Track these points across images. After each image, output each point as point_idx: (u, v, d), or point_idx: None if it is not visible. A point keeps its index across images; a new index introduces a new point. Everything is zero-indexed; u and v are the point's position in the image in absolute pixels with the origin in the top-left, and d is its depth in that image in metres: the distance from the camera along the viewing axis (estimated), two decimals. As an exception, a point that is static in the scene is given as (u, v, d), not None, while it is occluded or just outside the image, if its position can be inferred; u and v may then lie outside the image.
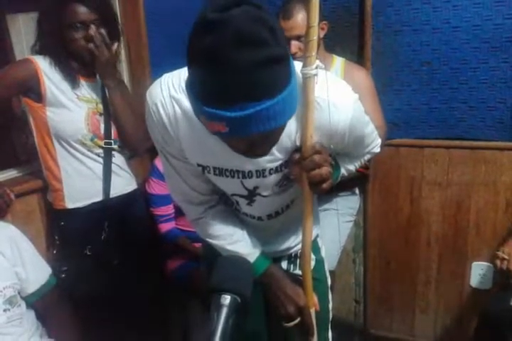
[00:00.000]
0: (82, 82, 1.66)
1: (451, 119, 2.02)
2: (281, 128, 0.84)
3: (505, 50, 1.86)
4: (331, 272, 1.58)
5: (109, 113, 1.69)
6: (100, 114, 1.68)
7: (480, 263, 2.12)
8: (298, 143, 0.97)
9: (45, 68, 1.57)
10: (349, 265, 2.41)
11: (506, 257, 1.64)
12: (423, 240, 2.22)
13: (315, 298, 1.16)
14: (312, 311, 1.16)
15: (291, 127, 0.96)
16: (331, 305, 1.35)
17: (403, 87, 2.06)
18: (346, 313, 2.49)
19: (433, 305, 2.29)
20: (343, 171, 1.14)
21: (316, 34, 0.85)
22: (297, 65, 0.88)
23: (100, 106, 1.68)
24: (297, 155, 0.96)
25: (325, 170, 0.94)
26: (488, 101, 1.95)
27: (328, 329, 1.35)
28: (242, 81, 0.70)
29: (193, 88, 0.76)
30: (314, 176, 0.94)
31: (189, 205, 1.16)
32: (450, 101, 2.00)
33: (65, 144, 1.63)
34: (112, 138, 1.71)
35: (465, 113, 1.99)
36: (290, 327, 1.15)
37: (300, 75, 0.88)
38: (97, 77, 1.69)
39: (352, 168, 1.18)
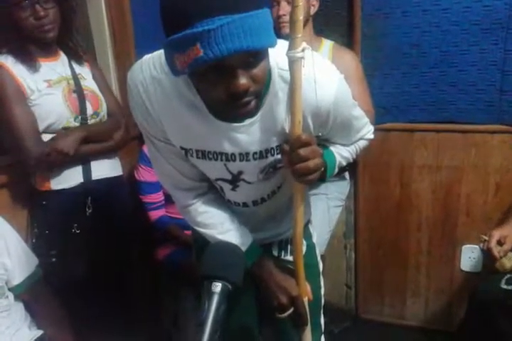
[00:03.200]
0: (45, 63, 1.61)
1: (441, 103, 2.01)
2: (261, 63, 0.81)
3: (494, 32, 1.84)
4: (322, 256, 1.58)
5: (81, 88, 1.66)
6: (74, 91, 1.64)
7: (470, 246, 2.13)
8: (287, 129, 0.95)
9: (13, 68, 1.53)
10: (340, 250, 2.41)
11: (486, 238, 1.67)
12: (413, 224, 2.22)
13: (308, 287, 1.15)
14: (305, 300, 1.14)
15: (279, 110, 0.94)
16: (322, 291, 1.35)
17: (393, 70, 2.04)
18: (338, 298, 2.50)
19: (424, 289, 2.30)
20: (339, 159, 1.11)
21: (301, 14, 0.82)
22: (283, 46, 0.85)
23: (72, 82, 1.65)
24: (287, 147, 0.93)
25: (312, 163, 0.91)
26: (477, 84, 1.93)
27: (320, 314, 1.35)
28: None
29: (165, 27, 0.76)
30: (299, 169, 0.92)
31: (178, 191, 1.14)
32: (440, 85, 1.99)
33: (51, 131, 1.60)
34: (91, 111, 1.68)
35: (455, 96, 1.98)
36: (283, 317, 1.13)
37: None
38: (60, 53, 1.67)
39: (348, 155, 1.15)
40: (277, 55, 0.88)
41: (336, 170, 1.10)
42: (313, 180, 0.95)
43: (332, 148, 1.10)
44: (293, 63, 0.85)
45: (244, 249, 1.11)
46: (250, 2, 0.74)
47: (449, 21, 1.88)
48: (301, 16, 0.81)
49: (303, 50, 0.84)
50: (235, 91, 0.79)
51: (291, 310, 1.13)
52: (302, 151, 0.90)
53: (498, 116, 1.95)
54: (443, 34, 1.91)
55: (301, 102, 0.89)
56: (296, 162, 0.91)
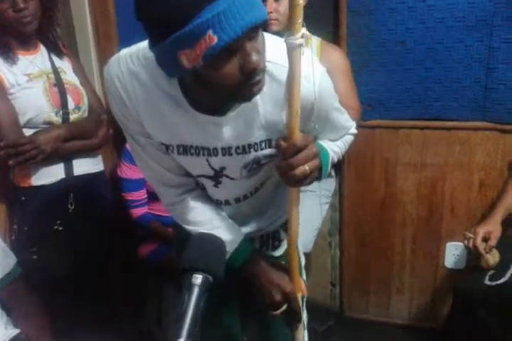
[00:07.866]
0: (24, 56, 1.59)
1: (426, 99, 2.01)
2: (261, 35, 0.80)
3: (479, 28, 1.85)
4: (307, 254, 1.56)
5: (61, 82, 1.63)
6: (55, 85, 1.62)
7: (454, 243, 2.14)
8: (284, 120, 0.91)
9: None
10: (325, 248, 2.40)
11: (471, 236, 1.68)
12: (398, 221, 2.22)
13: (302, 283, 1.13)
14: (299, 296, 1.12)
15: (263, 104, 0.92)
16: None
17: (378, 67, 2.03)
18: (322, 296, 2.49)
19: (408, 286, 2.31)
20: (332, 154, 1.07)
21: None
22: (271, 40, 0.84)
23: (52, 76, 1.62)
24: (284, 144, 0.89)
25: (305, 168, 0.88)
26: (462, 80, 1.94)
27: (303, 310, 1.33)
28: None
29: (158, 31, 0.74)
30: (290, 177, 0.90)
31: (165, 187, 1.11)
32: (425, 81, 1.99)
33: (32, 126, 1.56)
34: (73, 105, 1.65)
35: (440, 93, 1.98)
36: (277, 314, 1.11)
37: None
38: (40, 46, 1.64)
39: (338, 150, 1.12)
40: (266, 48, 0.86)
41: (330, 167, 1.07)
42: (307, 183, 0.93)
43: (324, 144, 1.06)
44: (292, 50, 0.81)
45: (235, 245, 1.08)
46: None
47: (434, 18, 1.89)
48: (301, 0, 0.78)
49: (302, 37, 0.80)
50: (251, 68, 0.77)
51: (284, 307, 1.10)
52: (295, 160, 0.87)
53: (483, 113, 1.95)
54: (428, 31, 1.91)
55: (299, 92, 0.85)
56: (285, 171, 0.89)
